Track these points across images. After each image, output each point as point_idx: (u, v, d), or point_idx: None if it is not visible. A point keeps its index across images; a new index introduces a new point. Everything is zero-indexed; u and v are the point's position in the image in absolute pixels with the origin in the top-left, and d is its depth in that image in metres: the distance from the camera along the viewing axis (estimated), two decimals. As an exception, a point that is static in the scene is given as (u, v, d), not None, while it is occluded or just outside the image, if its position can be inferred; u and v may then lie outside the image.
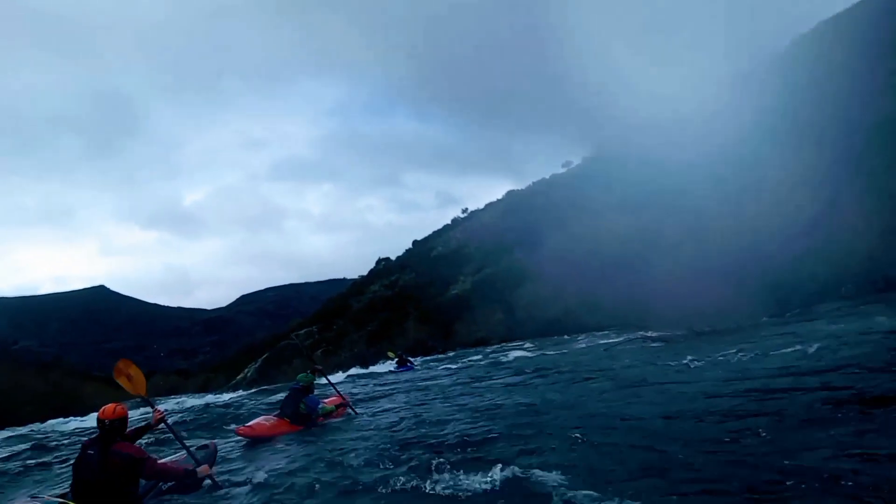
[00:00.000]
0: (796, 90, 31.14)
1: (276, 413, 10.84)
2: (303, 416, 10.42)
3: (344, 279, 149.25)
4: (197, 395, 37.43)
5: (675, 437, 6.76)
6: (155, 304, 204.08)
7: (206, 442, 8.20)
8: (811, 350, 11.88)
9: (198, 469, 6.28)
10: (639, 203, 40.01)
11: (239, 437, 10.10)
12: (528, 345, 33.14)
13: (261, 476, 6.93)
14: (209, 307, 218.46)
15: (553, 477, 5.46)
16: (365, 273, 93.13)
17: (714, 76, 38.38)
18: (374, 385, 20.16)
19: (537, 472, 5.70)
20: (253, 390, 31.59)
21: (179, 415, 15.65)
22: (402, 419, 10.37)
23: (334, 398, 12.15)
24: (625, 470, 5.64)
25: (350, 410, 11.86)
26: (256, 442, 9.72)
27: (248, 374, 69.50)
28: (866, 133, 28.22)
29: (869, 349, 10.95)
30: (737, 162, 30.14)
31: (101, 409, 5.80)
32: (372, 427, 10.09)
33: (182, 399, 31.59)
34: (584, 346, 26.13)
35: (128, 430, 6.18)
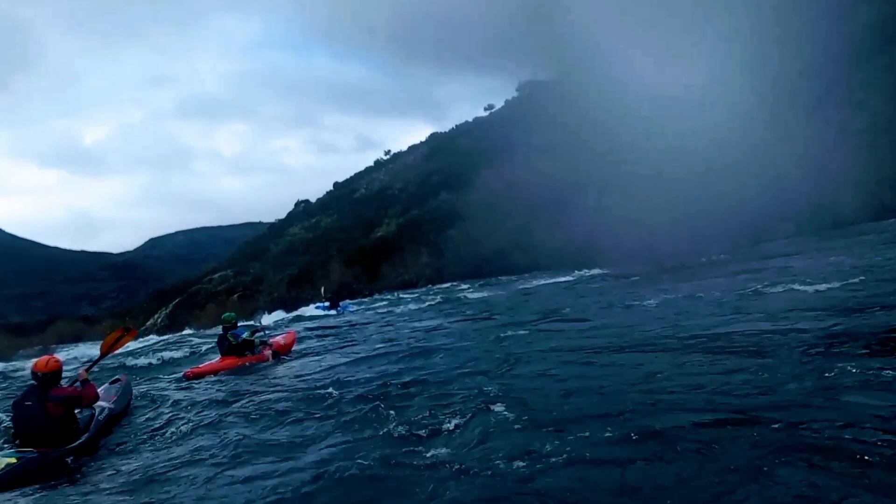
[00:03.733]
0: (746, 29, 30.97)
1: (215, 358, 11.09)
2: (236, 347, 10.75)
3: (260, 223, 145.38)
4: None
5: (628, 373, 6.31)
6: (56, 248, 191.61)
7: (119, 376, 8.52)
8: (771, 287, 11.50)
9: (79, 375, 6.62)
10: (570, 145, 39.42)
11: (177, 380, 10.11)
12: (463, 286, 32.49)
13: (183, 415, 7.11)
14: (116, 251, 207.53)
15: (498, 416, 5.09)
16: (283, 216, 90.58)
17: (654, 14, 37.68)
18: (306, 328, 18.83)
19: (481, 408, 5.39)
20: (167, 336, 29.44)
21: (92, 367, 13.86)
22: (334, 362, 10.10)
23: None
24: (573, 403, 5.34)
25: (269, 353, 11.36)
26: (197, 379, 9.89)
27: (159, 320, 66.74)
28: (816, 74, 28.48)
29: (826, 284, 10.67)
30: (679, 103, 29.78)
31: (35, 363, 6.17)
32: (305, 367, 10.03)
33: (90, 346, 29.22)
34: (521, 286, 25.58)
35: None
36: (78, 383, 6.52)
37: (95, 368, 8.25)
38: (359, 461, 4.48)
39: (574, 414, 4.96)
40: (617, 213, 26.87)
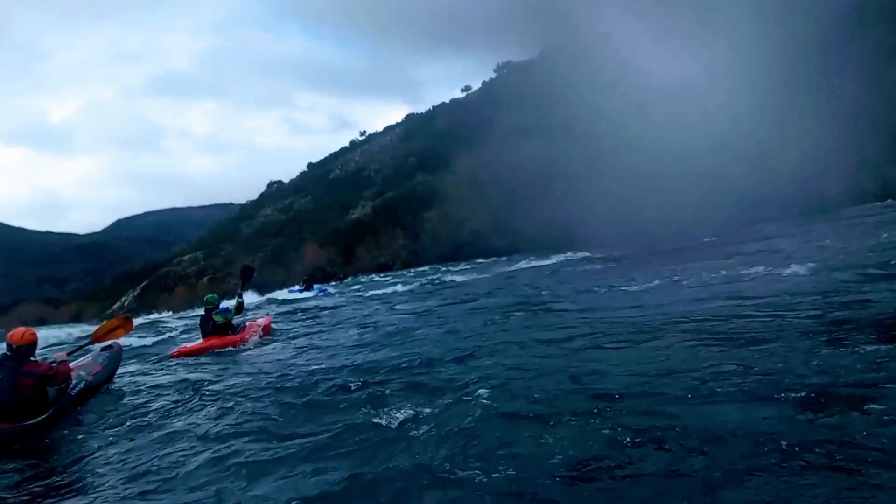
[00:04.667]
0: (728, 15, 30.56)
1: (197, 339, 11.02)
2: (222, 327, 10.73)
3: (231, 204, 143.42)
4: (70, 325, 33.63)
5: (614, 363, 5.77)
6: (20, 228, 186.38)
7: (111, 343, 8.39)
8: (762, 271, 10.97)
9: (56, 357, 6.45)
10: (551, 126, 38.79)
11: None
12: (440, 269, 31.82)
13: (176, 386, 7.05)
14: (82, 232, 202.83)
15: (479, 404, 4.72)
16: (255, 197, 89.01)
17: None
18: (283, 312, 18.09)
19: (463, 397, 5.04)
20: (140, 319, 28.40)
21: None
22: (312, 348, 9.64)
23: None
24: (561, 393, 4.89)
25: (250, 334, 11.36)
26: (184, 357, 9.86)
27: (126, 303, 65.73)
28: (796, 59, 28.23)
29: (819, 268, 10.10)
30: (663, 86, 29.25)
31: (10, 334, 5.92)
32: (285, 352, 9.64)
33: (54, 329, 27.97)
34: (501, 270, 24.93)
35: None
36: (55, 363, 6.25)
37: (79, 353, 7.89)
38: (333, 452, 4.13)
39: (563, 405, 4.53)
40: (600, 195, 26.30)
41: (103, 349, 8.07)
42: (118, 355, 8.14)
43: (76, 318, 59.82)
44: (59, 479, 4.47)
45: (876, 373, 4.30)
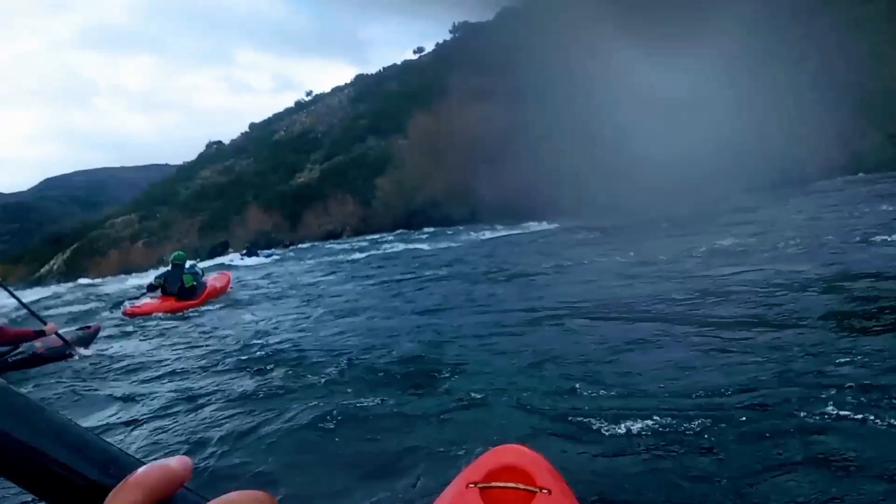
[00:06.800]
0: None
1: (156, 294, 10.71)
2: (188, 290, 10.52)
3: (167, 165, 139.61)
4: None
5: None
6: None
7: (90, 324, 8.21)
8: (743, 248, 10.37)
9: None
10: (512, 89, 37.41)
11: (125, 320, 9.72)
12: (391, 237, 30.53)
13: (136, 354, 6.89)
14: (7, 191, 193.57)
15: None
16: (193, 158, 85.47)
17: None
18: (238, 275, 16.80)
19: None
20: (70, 284, 26.52)
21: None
22: (267, 317, 9.31)
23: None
24: (527, 371, 4.76)
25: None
26: (141, 318, 9.59)
27: (55, 266, 62.63)
28: (772, 27, 27.84)
29: (806, 246, 9.60)
30: (634, 62, 28.27)
31: None
32: (238, 318, 9.41)
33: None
34: (458, 239, 23.60)
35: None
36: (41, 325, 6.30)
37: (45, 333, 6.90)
38: (284, 437, 3.81)
39: (531, 391, 4.22)
40: (565, 164, 25.26)
41: (81, 328, 7.77)
42: (91, 336, 7.65)
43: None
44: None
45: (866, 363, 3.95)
